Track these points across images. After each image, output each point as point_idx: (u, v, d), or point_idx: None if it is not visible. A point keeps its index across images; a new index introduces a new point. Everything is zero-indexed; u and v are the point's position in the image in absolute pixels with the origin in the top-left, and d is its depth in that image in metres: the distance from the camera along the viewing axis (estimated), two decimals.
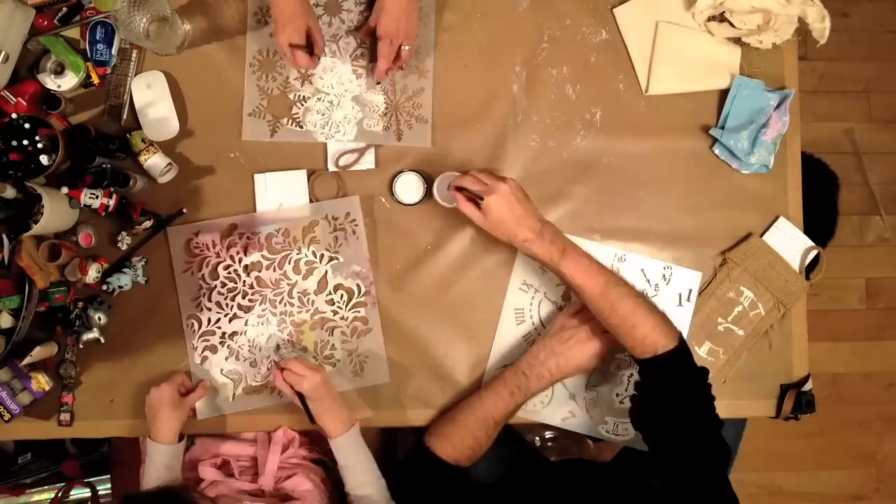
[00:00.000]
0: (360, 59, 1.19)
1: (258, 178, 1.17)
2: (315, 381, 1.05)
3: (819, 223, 1.73)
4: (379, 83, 1.19)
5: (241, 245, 1.17)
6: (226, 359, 1.18)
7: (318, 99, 1.19)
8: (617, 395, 1.18)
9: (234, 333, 1.18)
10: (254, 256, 1.18)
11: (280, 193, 1.18)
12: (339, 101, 1.19)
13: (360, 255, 1.19)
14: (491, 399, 1.09)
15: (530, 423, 1.19)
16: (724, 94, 1.20)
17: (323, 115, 1.19)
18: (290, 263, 1.18)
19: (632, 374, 1.17)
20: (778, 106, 1.18)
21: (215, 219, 1.18)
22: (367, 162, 1.19)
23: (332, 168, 1.19)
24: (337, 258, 1.18)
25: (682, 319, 1.19)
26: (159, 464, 1.07)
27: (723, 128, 1.19)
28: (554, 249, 0.99)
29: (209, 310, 1.18)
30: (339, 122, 1.19)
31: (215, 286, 1.18)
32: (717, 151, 1.20)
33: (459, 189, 1.05)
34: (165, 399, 1.09)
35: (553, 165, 1.21)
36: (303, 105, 1.19)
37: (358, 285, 1.18)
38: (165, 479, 1.05)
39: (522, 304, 1.19)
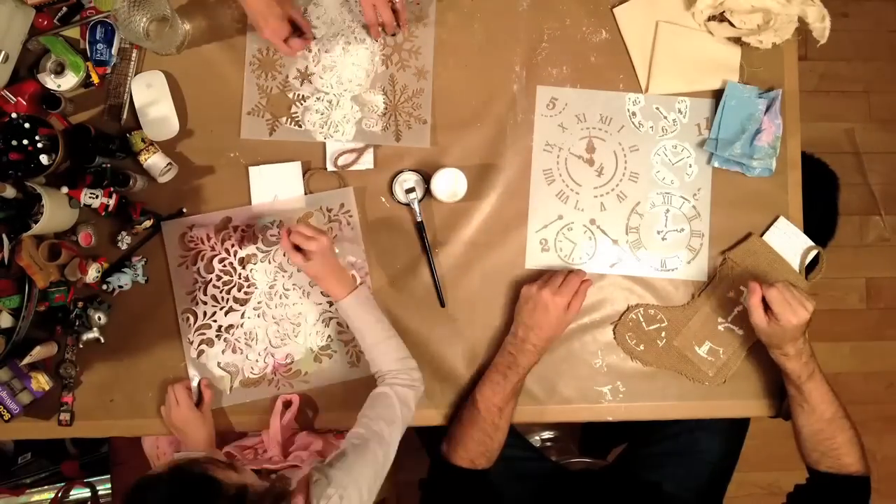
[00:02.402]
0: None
1: (253, 170, 1.18)
2: (322, 242, 1.04)
3: (819, 223, 1.73)
4: (392, 36, 1.20)
5: (235, 238, 1.17)
6: (222, 352, 1.18)
7: (318, 98, 1.19)
8: (658, 232, 1.20)
9: (230, 326, 1.18)
10: (249, 249, 1.18)
11: (275, 185, 1.18)
12: (339, 101, 1.19)
13: (356, 245, 1.19)
14: (488, 387, 1.10)
15: (530, 424, 1.19)
16: (717, 93, 1.20)
17: (322, 114, 1.19)
18: (284, 255, 1.18)
19: (668, 210, 1.20)
20: (768, 109, 1.18)
21: (210, 212, 1.18)
22: (366, 162, 1.19)
23: (330, 168, 1.19)
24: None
25: (702, 152, 1.21)
26: None
27: (716, 139, 1.19)
28: (805, 370, 1.06)
29: (205, 303, 1.17)
30: (337, 122, 1.19)
31: (210, 279, 1.18)
32: (716, 164, 1.20)
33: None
34: (188, 415, 1.09)
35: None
36: (302, 104, 1.19)
37: (353, 276, 1.18)
38: None
39: (549, 164, 1.21)
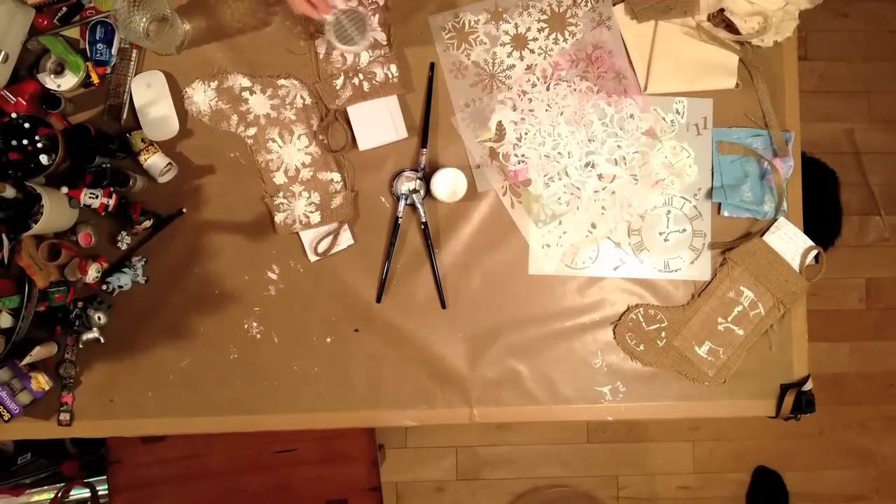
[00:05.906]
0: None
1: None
2: None
3: (824, 222, 1.73)
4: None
5: None
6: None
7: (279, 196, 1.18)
8: (660, 233, 1.20)
9: None
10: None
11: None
12: (298, 194, 1.18)
13: None
14: None
15: (531, 424, 1.18)
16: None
17: (285, 212, 1.18)
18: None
19: (669, 211, 1.20)
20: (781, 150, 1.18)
21: None
22: (346, 240, 1.18)
23: (314, 258, 1.18)
24: None
25: (703, 146, 1.21)
26: None
27: (721, 186, 1.19)
28: None
29: None
30: (301, 214, 1.18)
31: None
32: (726, 213, 1.20)
33: None
34: None
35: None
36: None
37: None
38: None
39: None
